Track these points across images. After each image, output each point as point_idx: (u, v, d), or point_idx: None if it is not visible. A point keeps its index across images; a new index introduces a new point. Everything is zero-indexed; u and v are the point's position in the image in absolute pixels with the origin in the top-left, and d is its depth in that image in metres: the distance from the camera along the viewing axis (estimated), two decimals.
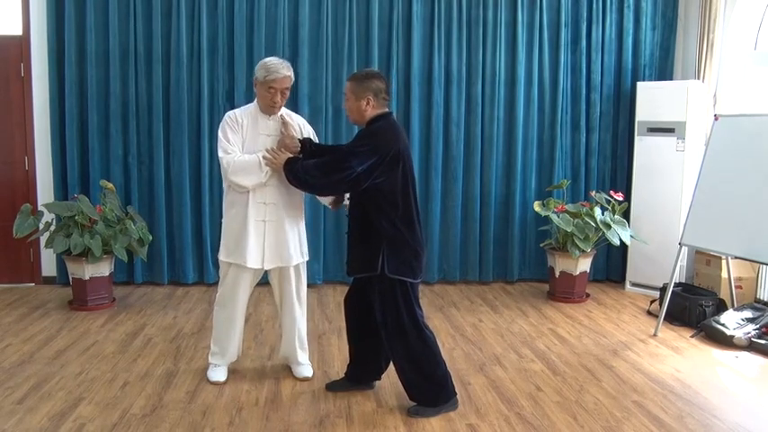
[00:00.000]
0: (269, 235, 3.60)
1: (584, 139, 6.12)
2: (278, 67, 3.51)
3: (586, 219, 5.42)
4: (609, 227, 5.38)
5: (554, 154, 6.06)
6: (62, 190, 5.66)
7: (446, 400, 3.40)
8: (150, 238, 5.28)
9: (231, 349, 3.80)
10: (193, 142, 5.71)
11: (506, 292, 5.86)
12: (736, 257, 4.68)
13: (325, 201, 3.78)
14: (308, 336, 3.99)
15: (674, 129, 5.54)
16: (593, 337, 4.66)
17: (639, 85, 5.83)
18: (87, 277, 5.05)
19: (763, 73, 5.26)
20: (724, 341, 4.48)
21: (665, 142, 5.59)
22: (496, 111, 5.96)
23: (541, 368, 4.05)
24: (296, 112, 5.56)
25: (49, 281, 5.82)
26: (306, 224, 5.76)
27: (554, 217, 5.41)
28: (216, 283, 3.84)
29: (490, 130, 5.97)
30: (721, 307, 4.92)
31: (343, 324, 3.71)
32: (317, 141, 3.78)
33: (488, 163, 5.99)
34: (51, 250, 5.11)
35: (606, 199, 5.59)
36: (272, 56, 3.72)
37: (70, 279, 5.20)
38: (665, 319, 4.81)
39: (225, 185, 3.68)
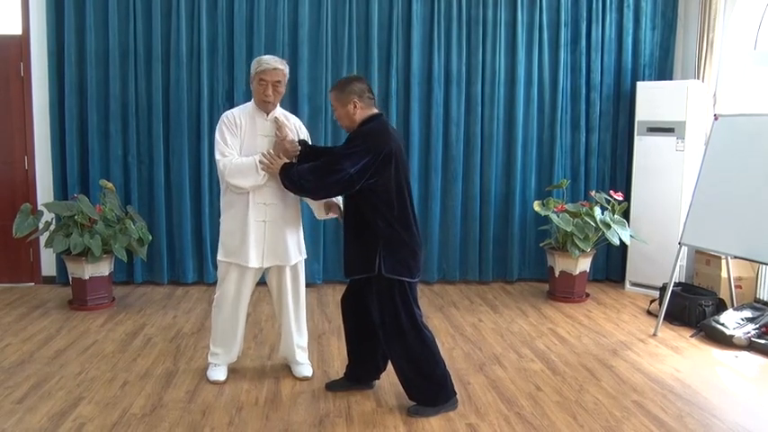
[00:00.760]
0: (269, 235, 3.60)
1: (583, 139, 6.12)
2: (269, 60, 3.56)
3: (586, 218, 5.42)
4: (609, 226, 5.38)
5: (554, 153, 6.06)
6: (62, 190, 5.67)
7: (446, 400, 3.40)
8: (150, 237, 5.28)
9: (232, 349, 3.80)
10: (193, 142, 5.71)
11: (506, 292, 5.86)
12: (735, 257, 4.67)
13: (315, 209, 3.76)
14: (308, 335, 3.99)
15: (673, 128, 5.54)
16: (593, 336, 4.66)
17: (639, 84, 5.83)
18: (87, 277, 5.05)
19: (763, 73, 5.26)
20: (724, 341, 4.48)
21: (665, 142, 5.59)
22: (496, 110, 5.96)
23: (541, 368, 4.05)
24: (296, 112, 5.61)
25: (48, 280, 5.82)
26: (306, 224, 5.79)
27: (554, 217, 5.41)
28: (215, 283, 3.83)
29: (490, 129, 5.97)
30: (721, 307, 4.93)
31: None
32: (310, 144, 3.79)
33: (488, 162, 5.99)
34: (51, 250, 5.12)
35: (606, 199, 5.59)
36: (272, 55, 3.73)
37: (70, 279, 5.20)
38: (664, 318, 4.81)
39: (222, 186, 3.68)
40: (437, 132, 5.92)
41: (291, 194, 3.62)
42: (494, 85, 5.93)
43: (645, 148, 5.74)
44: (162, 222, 5.74)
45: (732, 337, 4.46)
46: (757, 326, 4.54)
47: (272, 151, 3.52)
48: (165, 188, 5.74)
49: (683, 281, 5.44)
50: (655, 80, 6.03)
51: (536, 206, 5.66)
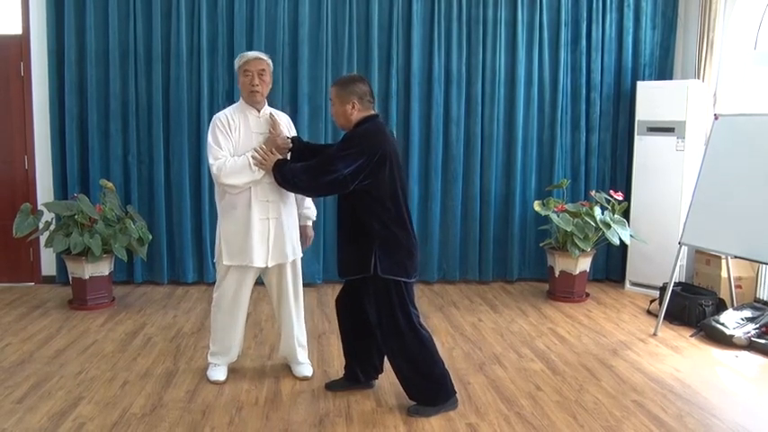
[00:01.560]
0: (273, 232, 3.61)
1: (583, 139, 6.12)
2: (249, 53, 3.65)
3: (586, 218, 5.42)
4: (609, 226, 5.38)
5: (554, 153, 6.06)
6: (62, 189, 5.67)
7: (445, 399, 3.40)
8: (150, 237, 5.28)
9: (232, 349, 3.80)
10: (193, 142, 5.71)
11: (506, 292, 5.86)
12: (735, 257, 4.67)
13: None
14: (308, 335, 3.99)
15: (673, 128, 5.54)
16: (593, 336, 4.66)
17: (639, 84, 5.83)
18: (87, 276, 5.05)
19: (763, 72, 5.26)
20: (724, 341, 4.48)
21: (665, 142, 5.59)
22: (496, 110, 5.96)
23: (541, 367, 4.05)
24: (296, 112, 5.63)
25: (48, 280, 5.82)
26: None
27: (554, 216, 5.41)
28: (215, 283, 3.83)
29: (490, 129, 5.97)
30: (721, 306, 4.92)
31: None
32: (305, 141, 3.80)
33: (488, 162, 5.99)
34: (51, 249, 5.11)
35: (606, 198, 5.59)
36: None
37: (70, 278, 5.20)
38: (664, 318, 4.81)
39: (218, 190, 3.67)
40: (437, 132, 5.92)
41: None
42: (494, 84, 5.93)
43: (645, 148, 5.74)
44: (162, 222, 5.74)
45: (732, 336, 4.46)
46: (757, 326, 4.53)
47: (264, 146, 3.52)
48: (165, 188, 5.75)
49: (683, 281, 5.44)
50: (655, 80, 6.02)
51: (536, 206, 5.66)
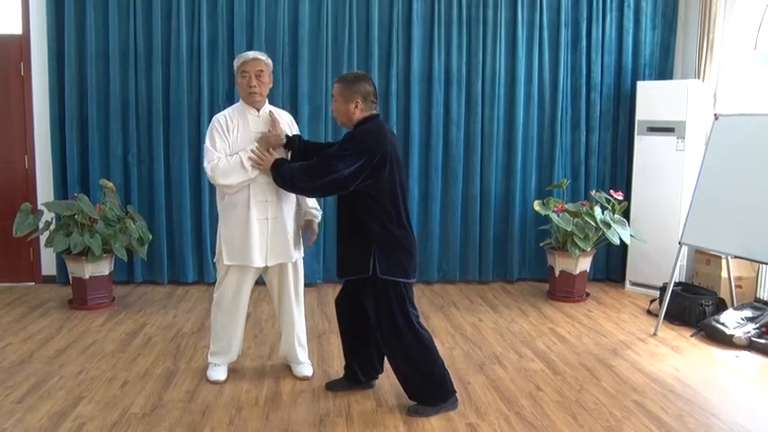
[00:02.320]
0: (272, 232, 3.61)
1: (584, 139, 6.12)
2: (248, 53, 3.64)
3: (586, 218, 5.42)
4: (609, 226, 5.38)
5: (554, 153, 6.06)
6: (62, 189, 5.67)
7: (445, 399, 3.40)
8: (150, 237, 5.28)
9: (232, 349, 3.80)
10: (193, 141, 5.70)
11: (506, 292, 5.86)
12: (735, 257, 4.68)
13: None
14: (308, 335, 3.99)
15: (674, 128, 5.54)
16: (593, 336, 4.66)
17: (639, 84, 5.83)
18: (87, 276, 5.05)
19: (763, 73, 5.26)
20: (724, 340, 4.48)
21: (665, 142, 5.59)
22: (496, 110, 5.96)
23: (541, 367, 4.05)
24: (296, 112, 5.62)
25: (48, 280, 5.82)
26: None
27: (554, 216, 5.41)
28: (215, 283, 3.83)
29: (490, 129, 5.97)
30: (721, 306, 4.92)
31: None
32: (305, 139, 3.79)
33: (488, 162, 5.99)
34: (51, 249, 5.11)
35: (606, 198, 5.59)
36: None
37: (70, 278, 5.20)
38: (664, 318, 4.81)
39: (219, 191, 3.67)
40: (437, 132, 5.92)
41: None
42: (494, 84, 5.93)
43: (645, 148, 5.74)
44: (162, 222, 5.74)
45: (732, 336, 4.46)
46: (757, 325, 4.53)
47: (258, 146, 3.50)
48: (166, 187, 5.75)
49: (684, 280, 5.44)
50: (655, 80, 6.02)
51: (536, 206, 5.66)
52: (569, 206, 5.57)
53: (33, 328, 4.63)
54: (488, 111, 5.96)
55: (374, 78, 5.74)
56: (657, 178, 5.65)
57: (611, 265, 6.24)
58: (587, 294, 5.65)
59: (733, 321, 4.60)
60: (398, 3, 5.79)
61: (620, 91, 6.11)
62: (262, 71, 3.58)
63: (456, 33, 5.87)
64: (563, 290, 5.54)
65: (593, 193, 5.71)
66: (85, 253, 4.96)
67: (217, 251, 3.71)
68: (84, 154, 5.69)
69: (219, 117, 3.62)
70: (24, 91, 5.66)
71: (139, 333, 4.58)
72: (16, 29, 5.62)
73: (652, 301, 5.34)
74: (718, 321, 4.61)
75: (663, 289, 5.03)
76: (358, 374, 3.63)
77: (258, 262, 3.59)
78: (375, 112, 3.38)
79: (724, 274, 5.12)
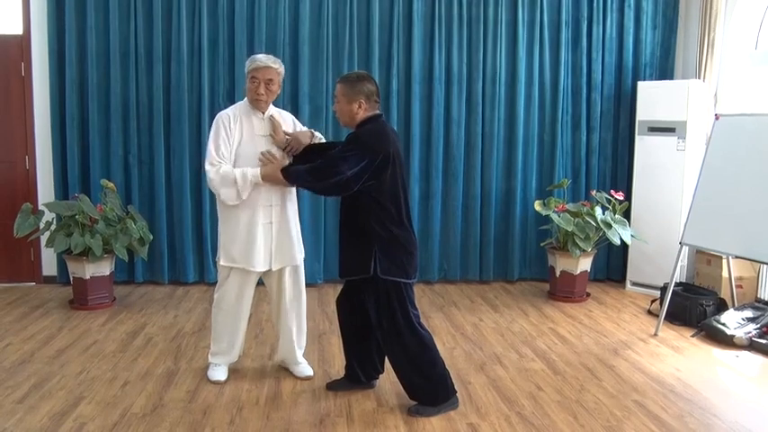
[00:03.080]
0: (276, 236, 3.61)
1: (584, 139, 6.12)
2: (261, 58, 3.57)
3: (587, 218, 5.41)
4: (609, 226, 5.38)
5: (554, 153, 6.06)
6: (62, 189, 5.67)
7: (446, 399, 3.40)
8: (151, 237, 5.28)
9: (234, 350, 3.80)
10: (194, 141, 5.71)
11: (507, 292, 5.86)
12: (736, 257, 4.68)
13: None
14: (308, 335, 3.99)
15: (674, 128, 5.54)
16: (594, 336, 4.66)
17: (640, 84, 5.83)
18: (88, 276, 5.05)
19: (764, 72, 5.26)
20: (724, 341, 4.48)
21: (666, 142, 5.59)
22: (497, 110, 5.96)
23: (542, 367, 4.05)
24: (296, 112, 5.63)
25: (49, 280, 5.82)
26: (306, 224, 5.82)
27: (555, 216, 5.40)
28: (216, 283, 3.83)
29: (491, 129, 5.97)
30: (722, 306, 4.92)
31: None
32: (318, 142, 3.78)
33: (489, 162, 5.99)
34: (52, 249, 5.11)
35: (607, 198, 5.59)
36: (273, 55, 3.73)
37: (71, 278, 5.20)
38: (665, 318, 4.81)
39: None
40: (438, 132, 5.92)
41: (291, 193, 3.67)
42: (494, 84, 5.93)
43: (646, 148, 5.73)
44: (163, 222, 5.74)
45: (733, 336, 4.45)
46: (758, 325, 4.53)
47: (270, 150, 3.52)
48: (166, 187, 5.75)
49: (684, 281, 5.44)
50: (656, 80, 6.02)
51: (537, 206, 5.66)
52: (570, 206, 5.57)
53: (34, 328, 4.63)
54: (489, 110, 5.96)
55: (375, 78, 5.75)
56: (658, 178, 5.65)
57: (612, 265, 6.24)
58: (588, 294, 5.65)
59: (734, 321, 4.60)
60: (399, 2, 5.79)
61: (620, 91, 6.11)
62: (272, 80, 3.56)
63: (457, 33, 5.87)
64: (564, 290, 5.53)
65: (593, 193, 5.70)
66: (86, 253, 4.96)
67: (219, 251, 3.70)
68: (85, 154, 5.69)
69: (224, 116, 3.59)
70: (25, 91, 5.66)
71: (140, 333, 4.58)
72: (17, 29, 5.62)
73: (653, 302, 5.34)
74: (718, 321, 4.61)
75: (663, 289, 5.03)
76: (359, 374, 3.63)
77: (262, 266, 3.60)
78: (378, 112, 3.38)
79: (725, 274, 5.12)
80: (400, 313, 3.31)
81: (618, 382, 3.84)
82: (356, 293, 3.46)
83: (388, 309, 3.31)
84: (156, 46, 5.60)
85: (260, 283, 3.85)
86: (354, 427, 3.24)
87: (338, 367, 3.93)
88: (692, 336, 4.67)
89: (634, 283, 5.92)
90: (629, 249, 5.87)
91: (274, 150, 3.56)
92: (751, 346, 4.40)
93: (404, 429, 3.23)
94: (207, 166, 3.52)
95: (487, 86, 5.94)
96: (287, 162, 3.54)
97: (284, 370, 3.93)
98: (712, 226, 4.59)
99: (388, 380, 3.67)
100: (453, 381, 3.47)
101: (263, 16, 5.65)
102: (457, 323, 4.92)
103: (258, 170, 3.47)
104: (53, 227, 5.09)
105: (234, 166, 3.51)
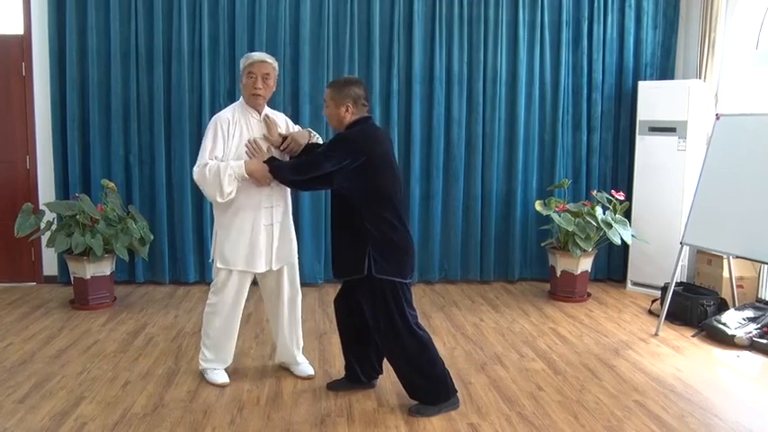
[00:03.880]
0: (277, 237, 3.62)
1: (585, 139, 6.12)
2: (256, 54, 3.62)
3: (587, 218, 5.41)
4: (610, 226, 5.38)
5: (555, 153, 6.06)
6: (63, 189, 5.67)
7: (446, 399, 3.40)
8: (151, 237, 5.28)
9: (231, 353, 3.79)
10: (194, 141, 5.69)
11: (507, 292, 5.86)
12: (737, 257, 4.68)
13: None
14: (309, 335, 3.99)
15: (675, 128, 5.54)
16: (595, 336, 4.66)
17: (641, 84, 5.82)
18: (88, 276, 5.05)
19: (765, 72, 5.25)
20: (725, 341, 4.48)
21: (667, 141, 5.59)
22: (498, 110, 5.96)
23: (542, 367, 4.05)
24: (297, 112, 5.64)
25: (50, 280, 5.82)
26: (306, 224, 5.83)
27: (555, 216, 5.40)
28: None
29: (491, 129, 5.97)
30: (722, 306, 4.92)
31: None
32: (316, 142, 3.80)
33: (489, 162, 5.99)
34: (53, 249, 5.12)
35: (607, 198, 5.58)
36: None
37: (71, 278, 5.21)
38: (666, 318, 4.81)
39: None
40: (438, 132, 5.92)
41: (286, 192, 3.69)
42: (495, 84, 5.93)
43: (646, 148, 5.73)
44: (163, 222, 5.74)
45: (734, 336, 4.45)
46: (759, 325, 4.53)
47: (257, 140, 3.53)
48: (167, 187, 5.75)
49: (685, 281, 5.44)
50: (656, 80, 6.02)
51: (537, 206, 5.66)
52: (570, 206, 5.57)
53: (35, 328, 4.63)
54: (490, 110, 5.96)
55: (375, 78, 5.78)
56: (659, 178, 5.65)
57: (613, 265, 6.23)
58: (588, 294, 5.65)
59: (734, 321, 4.59)
60: (400, 2, 5.78)
61: (621, 91, 6.11)
62: (268, 74, 3.57)
63: (457, 33, 5.87)
64: (564, 290, 5.53)
65: (594, 192, 5.70)
66: (87, 253, 4.96)
67: (216, 255, 3.68)
68: (86, 154, 5.69)
69: (222, 118, 3.57)
70: (26, 91, 5.66)
71: (141, 333, 4.58)
72: (18, 29, 5.62)
73: (653, 301, 5.33)
74: (719, 321, 4.61)
75: (664, 289, 5.03)
76: (359, 374, 3.64)
77: (264, 267, 3.60)
78: (366, 115, 3.41)
79: (725, 274, 5.12)
80: (397, 314, 3.31)
81: (618, 382, 3.84)
82: (353, 294, 3.46)
83: (385, 310, 3.31)
84: (157, 46, 5.60)
85: (253, 283, 3.82)
86: (355, 427, 3.24)
87: (339, 367, 3.93)
88: (693, 336, 4.67)
89: (635, 283, 5.91)
90: (630, 249, 5.86)
91: (266, 148, 3.56)
92: (752, 346, 4.40)
93: (404, 429, 3.23)
94: (194, 168, 3.50)
95: (488, 86, 5.94)
96: (270, 155, 3.54)
97: (285, 370, 3.93)
98: (713, 226, 4.59)
99: (389, 380, 3.67)
100: (454, 381, 3.47)
101: (263, 16, 5.65)
102: (457, 323, 4.92)
103: (242, 162, 3.45)
104: (54, 227, 5.09)
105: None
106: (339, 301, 3.61)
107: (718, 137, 4.72)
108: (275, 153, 3.59)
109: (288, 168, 3.47)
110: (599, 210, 5.46)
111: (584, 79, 6.05)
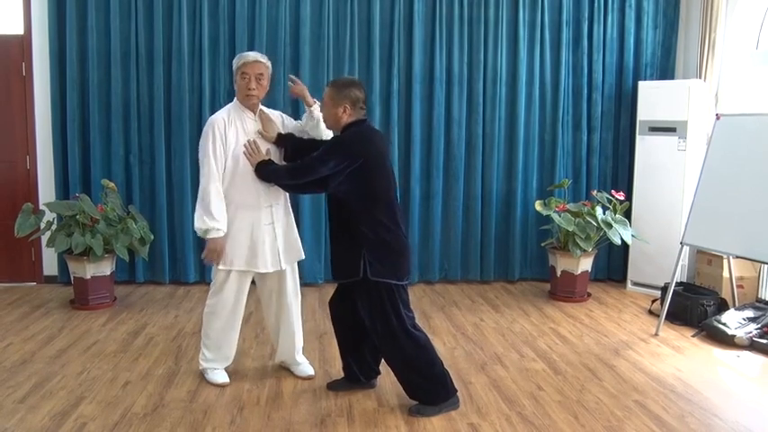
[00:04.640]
0: (282, 235, 3.63)
1: (585, 139, 6.12)
2: (249, 54, 3.62)
3: (588, 218, 5.41)
4: (610, 226, 5.38)
5: (555, 153, 6.06)
6: (63, 189, 5.67)
7: (446, 399, 3.40)
8: (151, 237, 5.28)
9: (231, 353, 3.79)
10: (194, 141, 5.67)
11: (507, 292, 5.86)
12: (737, 257, 4.67)
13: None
14: (309, 335, 3.99)
15: (675, 128, 5.54)
16: (595, 336, 4.66)
17: (641, 84, 5.82)
18: (89, 276, 5.05)
19: (765, 72, 5.25)
20: (725, 341, 4.48)
21: (667, 141, 5.59)
22: (498, 110, 5.96)
23: (543, 367, 4.05)
24: (297, 112, 5.62)
25: (50, 280, 5.82)
26: (306, 224, 5.82)
27: (555, 216, 5.40)
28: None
29: (491, 129, 5.97)
30: (723, 306, 4.92)
31: None
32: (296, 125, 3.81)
33: (490, 162, 5.99)
34: (53, 249, 5.12)
35: (607, 198, 5.58)
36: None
37: (71, 278, 5.21)
38: (666, 318, 4.81)
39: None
40: (438, 132, 5.92)
41: (282, 192, 3.66)
42: (495, 84, 5.93)
43: (646, 148, 5.73)
44: (163, 222, 5.74)
45: (734, 336, 4.45)
46: (759, 325, 4.53)
47: (256, 141, 3.53)
48: (167, 188, 5.75)
49: (685, 281, 5.44)
50: (656, 80, 6.02)
51: (537, 206, 5.66)
52: (571, 206, 5.57)
53: (35, 328, 4.63)
54: (490, 110, 5.96)
55: (375, 78, 5.77)
56: (659, 178, 5.65)
57: (613, 265, 6.23)
58: (589, 294, 5.65)
59: (734, 321, 4.59)
60: (400, 2, 5.78)
61: (621, 91, 6.11)
62: (262, 74, 3.57)
63: (457, 33, 5.87)
64: (564, 290, 5.53)
65: (594, 192, 5.70)
66: (87, 253, 4.96)
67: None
68: (86, 154, 5.69)
69: (218, 121, 3.56)
70: (26, 91, 5.67)
71: (141, 333, 4.58)
72: (18, 29, 5.62)
73: (653, 301, 5.33)
74: (719, 321, 4.61)
75: (664, 289, 5.03)
76: (357, 375, 3.64)
77: (269, 267, 3.60)
78: (363, 117, 3.40)
79: (725, 274, 5.12)
80: (394, 316, 3.31)
81: (619, 382, 3.84)
82: (349, 296, 3.47)
83: (382, 312, 3.31)
84: (157, 46, 5.60)
85: (254, 282, 3.82)
86: (355, 427, 3.24)
87: (339, 367, 3.91)
88: (693, 336, 4.67)
89: (635, 283, 5.91)
90: (630, 249, 5.86)
91: (263, 147, 3.56)
92: (752, 346, 4.39)
93: (404, 429, 3.23)
94: (203, 182, 3.48)
95: (488, 86, 5.94)
96: (268, 158, 3.54)
97: (285, 370, 3.93)
98: (713, 226, 4.59)
99: (389, 380, 3.67)
100: (454, 380, 3.47)
101: (263, 16, 5.65)
102: (458, 323, 4.92)
103: (222, 228, 3.48)
104: (54, 227, 5.09)
105: (229, 169, 3.51)
106: (333, 303, 3.61)
107: (718, 137, 4.72)
108: (274, 155, 3.59)
109: (284, 172, 3.47)
110: (599, 210, 5.46)
111: (585, 79, 6.05)
